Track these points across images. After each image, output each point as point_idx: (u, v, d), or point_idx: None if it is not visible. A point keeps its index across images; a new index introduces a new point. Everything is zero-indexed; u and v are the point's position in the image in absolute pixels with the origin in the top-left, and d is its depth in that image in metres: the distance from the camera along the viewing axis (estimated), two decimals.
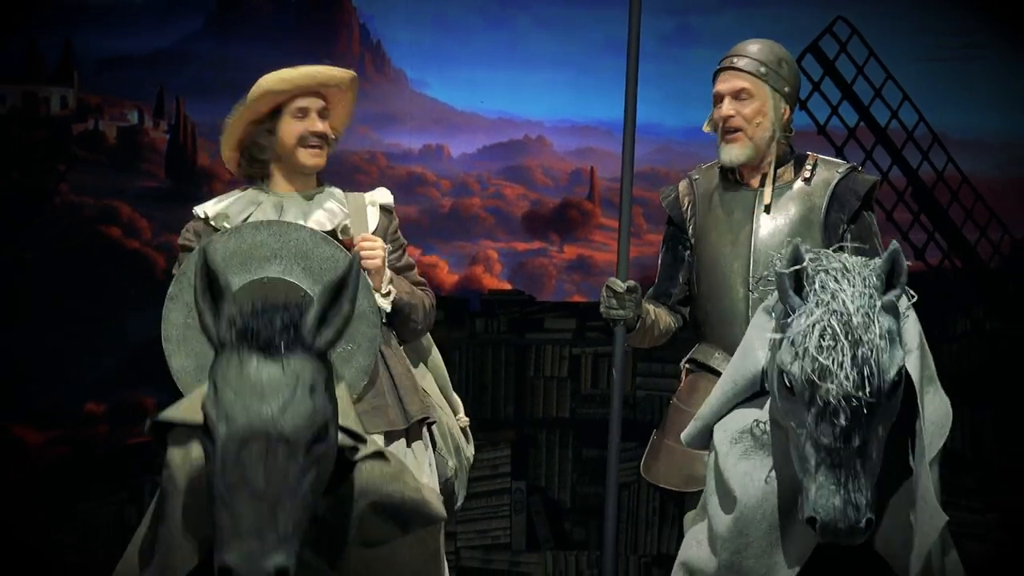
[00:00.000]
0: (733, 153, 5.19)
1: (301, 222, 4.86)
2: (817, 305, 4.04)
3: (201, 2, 10.45)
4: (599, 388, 8.82)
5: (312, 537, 4.05)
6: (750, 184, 5.22)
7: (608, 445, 5.25)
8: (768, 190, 5.17)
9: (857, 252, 5.00)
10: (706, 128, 5.29)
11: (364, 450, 4.22)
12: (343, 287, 4.01)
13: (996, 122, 10.07)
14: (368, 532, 4.24)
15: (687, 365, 5.25)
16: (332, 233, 4.90)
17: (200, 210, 5.06)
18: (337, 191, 5.09)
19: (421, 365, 5.19)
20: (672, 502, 4.78)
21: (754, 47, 5.27)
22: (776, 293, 4.24)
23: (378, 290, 4.82)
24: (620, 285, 5.12)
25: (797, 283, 4.11)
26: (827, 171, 5.21)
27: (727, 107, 5.19)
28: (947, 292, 9.59)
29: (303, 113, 4.99)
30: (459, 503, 5.16)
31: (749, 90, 5.21)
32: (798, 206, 5.14)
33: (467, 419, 5.30)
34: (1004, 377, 8.91)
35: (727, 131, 5.19)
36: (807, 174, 5.18)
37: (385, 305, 4.81)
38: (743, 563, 4.29)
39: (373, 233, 4.99)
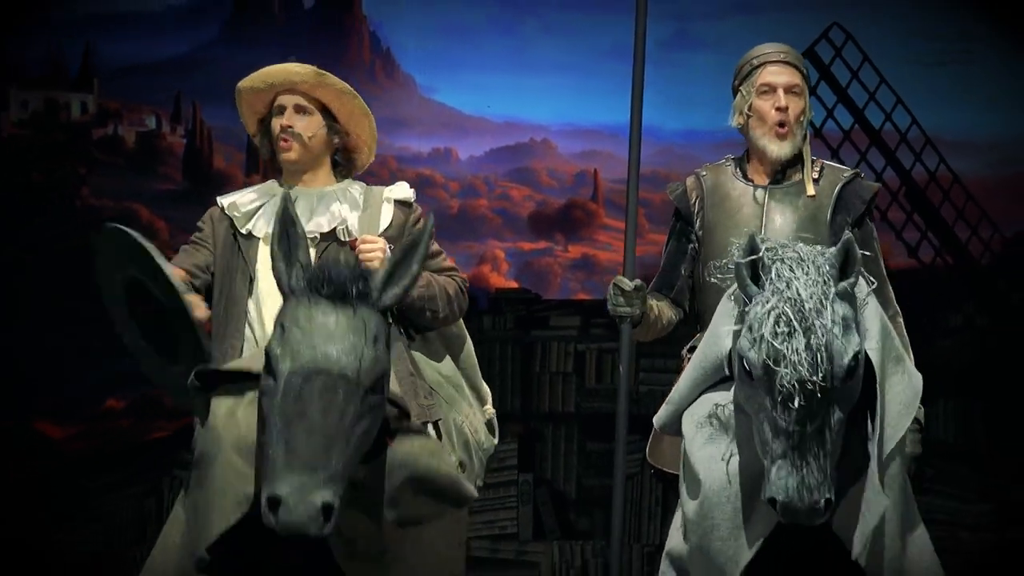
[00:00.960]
0: (786, 149, 5.11)
1: (304, 220, 4.84)
2: (772, 293, 4.07)
3: (217, 10, 10.47)
4: (603, 383, 8.82)
5: (352, 498, 4.09)
6: (757, 182, 5.20)
7: (615, 438, 5.23)
8: (810, 184, 5.13)
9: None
10: (737, 121, 5.20)
11: (407, 423, 4.33)
12: (414, 248, 4.13)
13: (987, 124, 10.08)
14: (404, 509, 4.28)
15: (688, 353, 5.24)
16: (331, 234, 4.89)
17: (221, 199, 5.07)
18: (356, 187, 5.03)
19: (448, 358, 5.15)
20: (673, 491, 4.78)
21: (788, 47, 5.22)
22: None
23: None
24: (628, 284, 5.10)
25: (754, 273, 4.15)
26: (833, 175, 5.18)
27: (784, 99, 5.12)
28: (939, 289, 9.59)
29: (280, 110, 4.98)
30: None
31: (800, 87, 5.14)
32: (806, 205, 5.13)
33: (493, 411, 5.26)
34: (995, 371, 8.90)
35: (780, 123, 5.11)
36: (815, 175, 5.16)
37: None
38: (710, 545, 4.30)
39: (386, 230, 4.94)
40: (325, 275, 4.04)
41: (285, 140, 4.93)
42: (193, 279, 4.84)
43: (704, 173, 5.27)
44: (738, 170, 5.22)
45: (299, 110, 4.96)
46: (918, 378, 4.40)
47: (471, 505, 4.85)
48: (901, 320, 5.04)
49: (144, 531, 8.63)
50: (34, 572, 8.57)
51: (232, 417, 4.29)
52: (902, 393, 4.31)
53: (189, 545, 4.30)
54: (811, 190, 5.12)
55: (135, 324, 4.61)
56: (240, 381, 4.35)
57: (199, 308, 4.59)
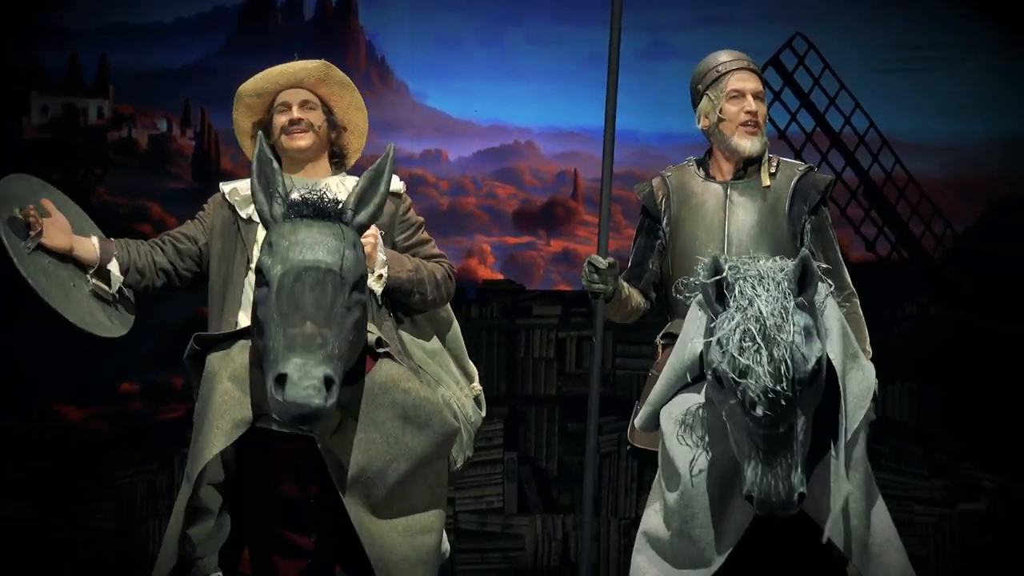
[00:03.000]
0: (757, 145, 5.14)
1: None
2: (737, 310, 4.12)
3: (223, 22, 10.43)
4: (583, 368, 8.82)
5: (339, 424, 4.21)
6: (719, 179, 5.21)
7: (587, 412, 5.24)
8: (766, 176, 5.15)
9: (815, 236, 5.06)
10: (703, 124, 5.21)
11: (386, 349, 4.46)
12: (380, 173, 4.31)
13: (939, 127, 10.08)
14: (391, 434, 4.35)
15: (662, 340, 5.25)
16: None
17: (224, 185, 5.10)
18: (351, 179, 5.02)
19: (435, 337, 5.15)
20: (650, 468, 4.80)
21: (745, 55, 5.25)
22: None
23: (371, 272, 4.81)
24: (602, 261, 5.11)
25: (719, 292, 4.18)
26: (789, 169, 5.22)
27: (754, 103, 5.14)
28: (895, 281, 9.60)
29: (285, 106, 5.00)
30: (458, 465, 5.03)
31: (763, 92, 5.20)
32: (765, 197, 5.14)
33: (480, 388, 5.26)
34: (947, 357, 8.91)
35: (750, 124, 5.13)
36: (772, 169, 5.18)
37: (376, 288, 4.78)
38: (691, 532, 4.35)
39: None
40: (303, 200, 4.21)
41: (300, 130, 4.98)
42: (177, 242, 5.00)
43: (669, 174, 5.29)
44: (700, 169, 5.25)
45: (304, 104, 4.99)
46: (870, 369, 4.46)
47: (459, 473, 4.88)
48: (857, 300, 5.08)
49: (156, 505, 8.64)
50: (54, 543, 8.57)
51: (227, 356, 4.39)
52: (858, 387, 4.35)
53: (189, 469, 4.35)
54: (767, 181, 5.14)
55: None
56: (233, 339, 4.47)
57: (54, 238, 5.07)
